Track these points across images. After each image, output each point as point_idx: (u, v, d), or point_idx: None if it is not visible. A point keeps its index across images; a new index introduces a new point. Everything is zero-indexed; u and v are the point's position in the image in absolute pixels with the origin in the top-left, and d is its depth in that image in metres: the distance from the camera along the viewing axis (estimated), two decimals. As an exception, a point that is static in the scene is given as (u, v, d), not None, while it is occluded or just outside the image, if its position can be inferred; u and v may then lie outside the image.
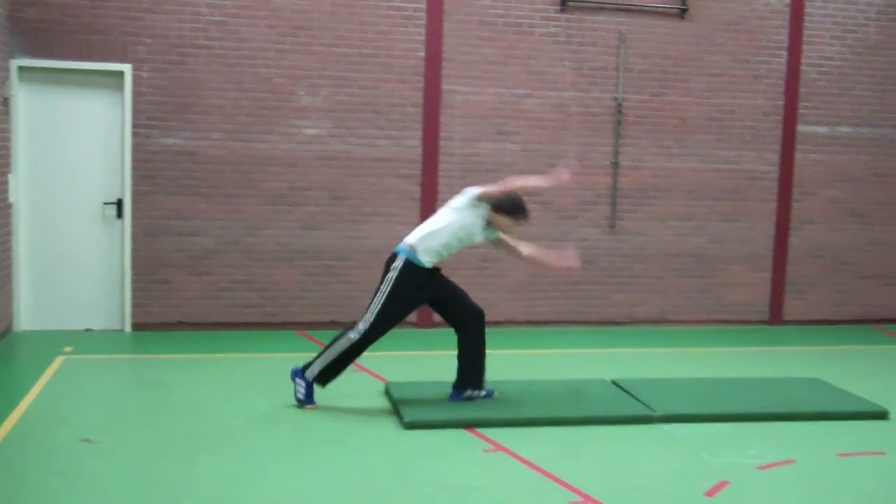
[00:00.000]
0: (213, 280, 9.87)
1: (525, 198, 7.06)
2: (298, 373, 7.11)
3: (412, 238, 7.05)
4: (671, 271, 10.90)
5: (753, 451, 6.34)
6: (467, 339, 7.16)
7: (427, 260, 6.96)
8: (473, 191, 7.01)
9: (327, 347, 7.10)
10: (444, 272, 7.19)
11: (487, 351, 7.22)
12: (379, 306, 6.97)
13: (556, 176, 7.04)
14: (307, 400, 7.09)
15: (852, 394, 7.74)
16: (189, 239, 9.77)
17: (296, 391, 7.11)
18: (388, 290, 6.96)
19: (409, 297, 7.05)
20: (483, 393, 7.18)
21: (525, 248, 7.21)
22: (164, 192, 9.67)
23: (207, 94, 9.66)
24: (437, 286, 7.12)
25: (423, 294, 7.11)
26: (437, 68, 10.09)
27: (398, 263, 6.98)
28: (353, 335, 7.02)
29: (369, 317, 6.99)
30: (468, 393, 7.16)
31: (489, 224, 7.08)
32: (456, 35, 10.12)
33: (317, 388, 7.15)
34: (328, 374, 7.11)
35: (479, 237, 7.10)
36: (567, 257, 7.29)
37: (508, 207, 7.01)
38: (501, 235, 7.18)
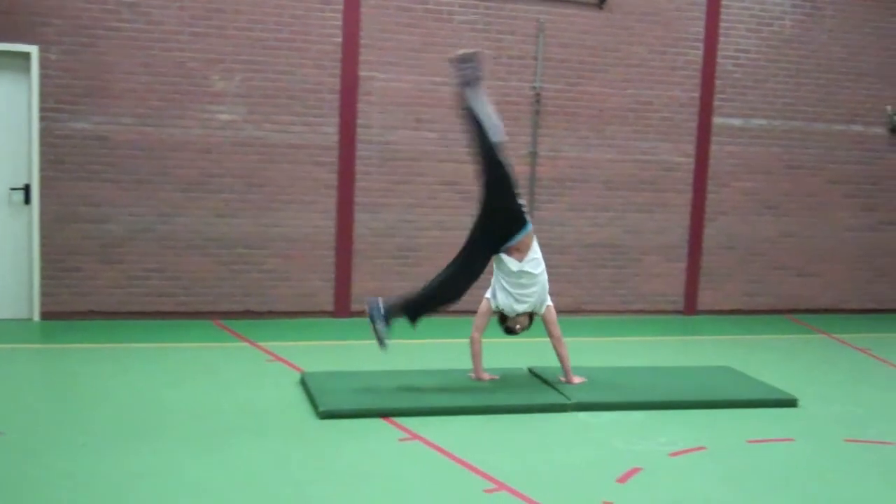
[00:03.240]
0: (124, 268, 9.65)
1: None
2: None
3: (533, 247, 7.23)
4: (587, 261, 10.97)
5: (665, 438, 6.41)
6: (430, 288, 7.21)
7: (510, 257, 7.14)
8: (550, 302, 7.41)
9: None
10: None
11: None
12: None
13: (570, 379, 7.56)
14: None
15: (763, 382, 7.86)
16: (100, 226, 9.54)
17: None
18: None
19: (489, 212, 7.18)
20: (381, 327, 7.07)
21: (476, 332, 7.37)
22: (74, 177, 9.42)
23: (118, 78, 9.43)
24: (482, 245, 7.18)
25: (479, 229, 7.20)
26: (355, 54, 9.99)
27: (524, 221, 7.19)
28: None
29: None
30: (380, 311, 7.07)
31: (517, 314, 7.29)
32: (374, 21, 10.03)
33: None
34: None
35: (510, 300, 7.23)
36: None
37: (529, 323, 7.40)
38: (493, 310, 7.33)
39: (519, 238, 7.12)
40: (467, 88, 7.08)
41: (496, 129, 7.12)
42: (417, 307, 7.18)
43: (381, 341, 7.10)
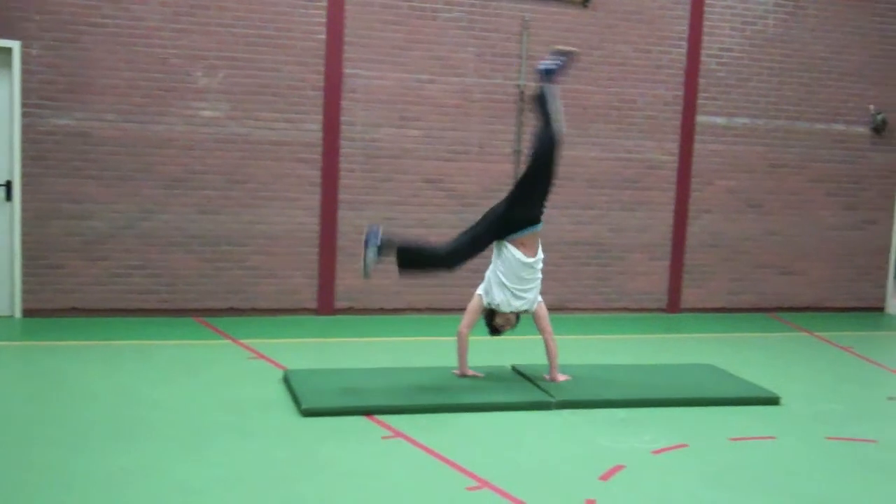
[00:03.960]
0: (107, 265, 9.61)
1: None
2: None
3: (539, 248, 7.32)
4: (571, 259, 10.97)
5: (648, 436, 6.41)
6: (434, 249, 7.23)
7: (517, 249, 7.14)
8: (541, 299, 7.43)
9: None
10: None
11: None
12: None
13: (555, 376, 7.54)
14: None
15: (745, 380, 7.88)
16: (82, 223, 9.50)
17: None
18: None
19: (519, 198, 7.24)
20: (372, 254, 7.00)
21: (465, 328, 7.34)
22: (56, 174, 9.37)
23: (101, 74, 9.39)
24: (496, 227, 7.20)
25: (503, 210, 7.23)
26: (339, 51, 9.96)
27: (539, 219, 7.28)
28: None
29: None
30: (376, 239, 6.99)
31: (505, 311, 7.29)
32: (358, 18, 10.01)
33: None
34: None
35: (506, 295, 7.21)
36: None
37: (515, 322, 7.43)
38: (485, 307, 7.31)
39: (527, 232, 7.15)
40: (549, 79, 7.19)
41: (560, 126, 7.17)
42: (412, 258, 7.17)
43: (365, 268, 7.04)
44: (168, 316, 9.77)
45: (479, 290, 7.33)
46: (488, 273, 7.30)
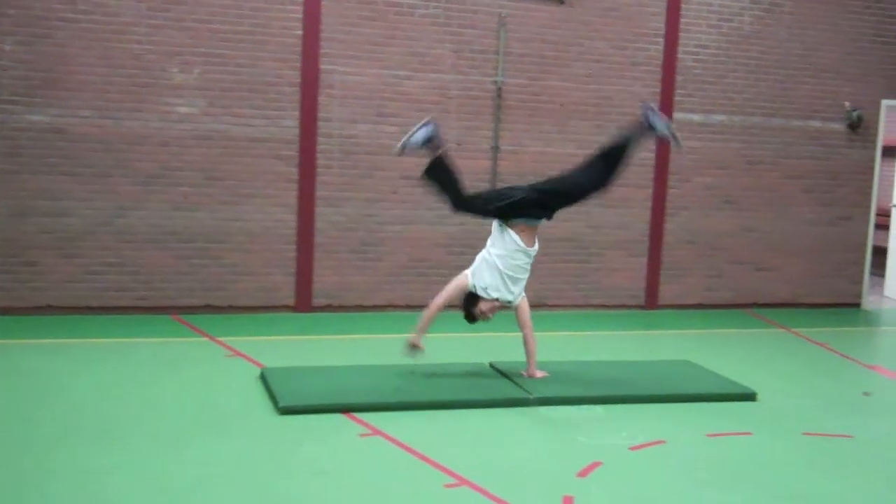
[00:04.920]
0: (82, 262, 9.54)
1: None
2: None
3: (536, 241, 7.30)
4: (549, 256, 10.93)
5: (626, 432, 6.42)
6: (463, 190, 7.26)
7: (518, 237, 7.12)
8: (524, 294, 7.37)
9: None
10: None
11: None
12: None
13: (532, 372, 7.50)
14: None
15: (722, 376, 7.90)
16: (57, 220, 9.43)
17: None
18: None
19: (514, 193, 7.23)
20: (418, 138, 7.16)
21: (441, 299, 7.30)
22: (31, 171, 9.30)
23: (76, 70, 9.32)
24: (515, 203, 7.15)
25: (535, 193, 7.22)
26: (316, 47, 9.92)
27: (545, 216, 7.32)
28: None
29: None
30: (430, 132, 7.15)
31: (491, 297, 7.23)
32: (335, 13, 9.97)
33: None
34: None
35: (498, 281, 7.18)
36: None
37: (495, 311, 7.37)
38: (468, 286, 7.25)
39: (530, 222, 7.15)
40: (647, 130, 7.32)
41: (630, 160, 7.34)
42: (442, 175, 7.22)
43: (406, 142, 7.17)
44: (144, 314, 9.71)
45: (468, 272, 7.26)
46: (481, 255, 7.25)
